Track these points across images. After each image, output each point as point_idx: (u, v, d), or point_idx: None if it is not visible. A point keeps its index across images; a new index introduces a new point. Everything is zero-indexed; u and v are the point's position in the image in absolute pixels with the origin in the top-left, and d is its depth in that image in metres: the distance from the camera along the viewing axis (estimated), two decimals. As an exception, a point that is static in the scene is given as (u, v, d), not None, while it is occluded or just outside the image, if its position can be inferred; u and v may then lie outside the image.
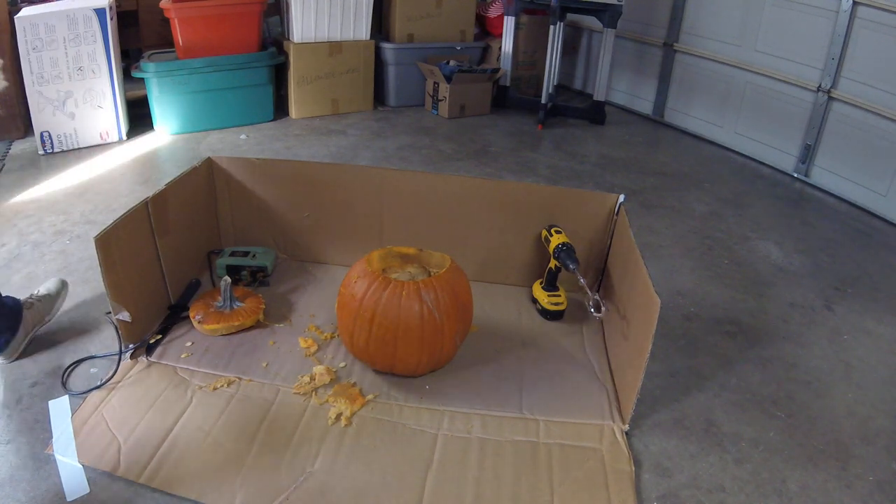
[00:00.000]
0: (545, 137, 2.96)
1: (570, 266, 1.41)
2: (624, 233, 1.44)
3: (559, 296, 1.54)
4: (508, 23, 3.25)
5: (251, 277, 1.59)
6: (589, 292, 1.36)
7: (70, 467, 1.06)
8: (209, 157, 1.63)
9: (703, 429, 1.25)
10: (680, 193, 2.41)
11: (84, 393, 1.22)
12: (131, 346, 1.31)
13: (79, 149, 2.49)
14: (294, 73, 2.90)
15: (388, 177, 1.62)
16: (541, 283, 1.57)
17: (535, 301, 1.59)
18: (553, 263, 1.49)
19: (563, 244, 1.45)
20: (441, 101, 3.14)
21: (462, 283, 1.31)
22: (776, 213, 2.31)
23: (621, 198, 1.52)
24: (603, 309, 1.35)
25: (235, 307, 1.43)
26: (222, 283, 1.42)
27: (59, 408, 1.19)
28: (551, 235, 1.49)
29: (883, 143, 2.27)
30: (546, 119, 3.09)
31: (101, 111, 2.51)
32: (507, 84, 3.34)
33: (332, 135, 2.82)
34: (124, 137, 2.61)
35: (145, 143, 2.60)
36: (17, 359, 1.31)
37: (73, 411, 1.18)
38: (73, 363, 1.31)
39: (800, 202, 2.42)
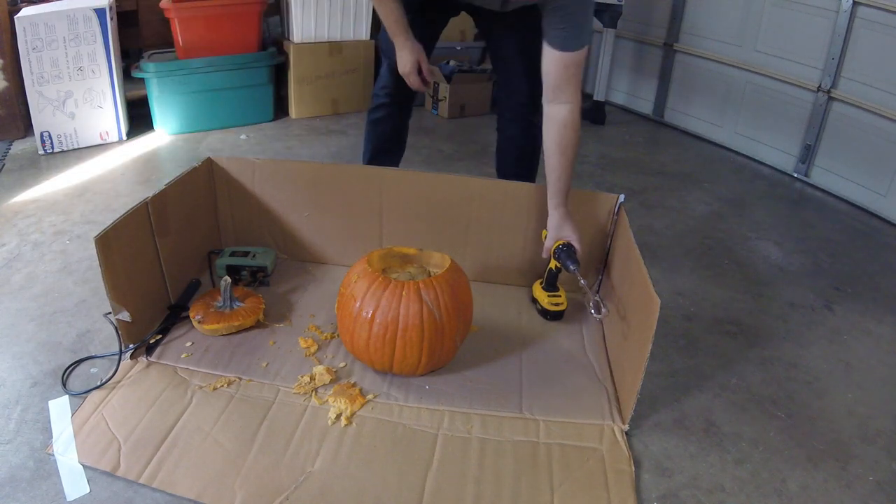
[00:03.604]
0: (545, 137, 2.95)
1: (571, 267, 1.41)
2: (624, 233, 1.44)
3: (559, 296, 1.53)
4: (508, 23, 3.25)
5: (251, 277, 1.59)
6: (589, 293, 1.36)
7: (70, 467, 1.06)
8: (209, 157, 1.63)
9: (703, 429, 1.25)
10: (680, 193, 2.41)
11: (84, 393, 1.22)
12: (131, 346, 1.31)
13: (79, 149, 2.49)
14: (294, 73, 2.90)
15: (388, 177, 1.62)
16: (541, 284, 1.57)
17: (535, 301, 1.59)
18: (553, 264, 1.49)
19: (564, 245, 1.44)
20: (441, 101, 3.14)
21: (462, 283, 1.31)
22: (776, 213, 2.31)
23: (621, 198, 1.52)
24: (603, 310, 1.35)
25: (235, 307, 1.43)
26: (222, 283, 1.42)
27: (59, 408, 1.19)
28: None
29: (883, 143, 2.27)
30: (546, 119, 3.09)
31: (101, 111, 2.51)
32: (507, 84, 3.33)
33: (332, 135, 2.82)
34: (124, 137, 2.61)
35: (145, 143, 2.60)
36: None
37: (73, 411, 1.18)
38: (73, 363, 1.31)
39: (800, 202, 2.42)
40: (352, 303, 1.25)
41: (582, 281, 1.37)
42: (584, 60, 1.40)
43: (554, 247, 1.46)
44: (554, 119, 1.42)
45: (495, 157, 1.83)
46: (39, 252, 1.74)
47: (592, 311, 1.36)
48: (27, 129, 2.54)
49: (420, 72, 1.59)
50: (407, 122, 1.85)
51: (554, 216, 1.46)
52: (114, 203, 2.04)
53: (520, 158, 1.77)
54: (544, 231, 1.54)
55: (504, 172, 1.79)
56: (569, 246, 1.44)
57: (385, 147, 1.85)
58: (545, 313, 1.54)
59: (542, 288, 1.56)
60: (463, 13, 1.70)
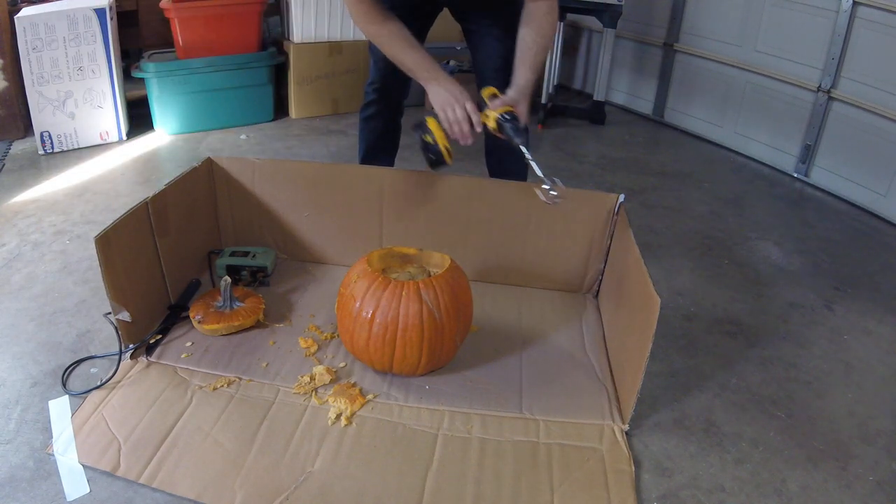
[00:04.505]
0: (545, 137, 2.96)
1: (517, 139, 1.27)
2: (624, 233, 1.44)
3: (451, 149, 1.38)
4: (508, 23, 3.25)
5: (251, 277, 1.59)
6: (538, 172, 1.23)
7: (70, 467, 1.06)
8: (209, 157, 1.63)
9: (703, 429, 1.25)
10: (680, 193, 2.41)
11: (84, 393, 1.22)
12: (131, 346, 1.31)
13: (79, 149, 2.49)
14: (294, 73, 2.90)
15: (388, 177, 1.62)
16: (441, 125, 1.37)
17: (424, 130, 1.38)
18: (483, 118, 1.32)
19: (510, 113, 1.29)
20: (441, 101, 3.13)
21: (462, 283, 1.31)
22: (776, 213, 2.31)
23: (621, 198, 1.52)
24: (558, 187, 1.20)
25: (235, 307, 1.43)
26: (222, 283, 1.42)
27: (59, 408, 1.19)
28: (500, 96, 1.34)
29: (883, 143, 2.27)
30: (546, 119, 3.09)
31: (101, 111, 2.51)
32: (507, 84, 3.33)
33: (332, 135, 2.82)
34: (124, 137, 2.61)
35: (145, 143, 2.60)
36: None
37: (73, 411, 1.18)
38: (73, 363, 1.31)
39: (800, 202, 2.42)
40: (352, 303, 1.25)
41: (529, 157, 1.24)
42: None
43: (500, 111, 1.30)
44: (531, 12, 1.41)
45: (484, 157, 1.83)
46: (39, 252, 1.74)
47: (549, 190, 1.21)
48: (27, 129, 2.54)
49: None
50: (398, 118, 1.85)
51: (514, 88, 1.37)
52: (114, 203, 2.04)
53: (508, 154, 1.76)
54: (490, 89, 1.39)
55: (495, 170, 1.79)
56: (515, 117, 1.30)
57: (378, 144, 1.85)
58: (433, 152, 1.36)
59: (444, 129, 1.36)
60: (447, 11, 1.69)
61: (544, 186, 1.25)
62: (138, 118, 2.76)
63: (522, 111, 1.36)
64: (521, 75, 1.39)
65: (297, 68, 2.89)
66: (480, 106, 1.37)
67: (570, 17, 3.34)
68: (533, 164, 1.28)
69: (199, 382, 1.26)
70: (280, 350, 1.37)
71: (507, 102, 1.35)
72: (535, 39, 1.41)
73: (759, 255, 1.97)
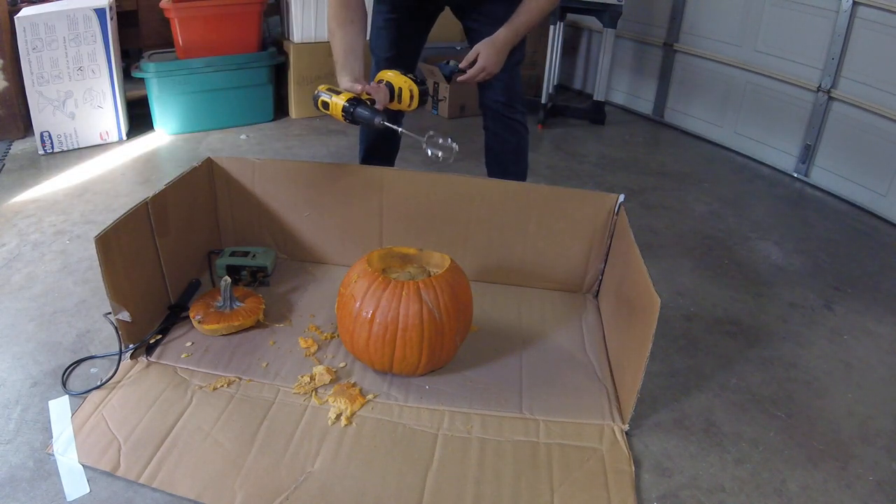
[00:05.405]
0: (545, 137, 2.96)
1: (371, 119, 1.34)
2: (624, 233, 1.44)
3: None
4: (508, 23, 3.24)
5: (251, 277, 1.59)
6: (418, 135, 1.32)
7: (70, 467, 1.06)
8: (209, 157, 1.63)
9: (703, 429, 1.25)
10: (680, 193, 2.41)
11: (84, 393, 1.22)
12: (131, 346, 1.31)
13: (79, 149, 2.49)
14: (294, 73, 2.90)
15: (388, 177, 1.62)
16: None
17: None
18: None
19: (351, 101, 1.36)
20: (441, 101, 3.14)
21: (462, 283, 1.31)
22: (776, 213, 2.31)
23: (621, 198, 1.52)
24: (444, 145, 1.32)
25: (235, 307, 1.43)
26: (222, 283, 1.42)
27: (59, 408, 1.19)
28: (332, 95, 1.39)
29: (883, 143, 2.27)
30: (546, 119, 3.09)
31: (101, 111, 2.51)
32: (507, 84, 3.33)
33: (332, 135, 2.82)
34: (124, 137, 2.61)
35: (145, 143, 2.60)
36: None
37: (73, 411, 1.18)
38: (73, 363, 1.31)
39: (800, 202, 2.42)
40: (352, 303, 1.25)
41: (391, 125, 1.36)
42: None
43: (344, 101, 1.37)
44: None
45: (484, 156, 1.83)
46: (39, 252, 1.74)
47: (429, 147, 1.33)
48: (27, 129, 2.54)
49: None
50: (399, 120, 1.85)
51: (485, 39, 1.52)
52: (114, 203, 2.04)
53: (507, 154, 1.77)
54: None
55: (494, 170, 1.79)
56: (358, 100, 1.37)
57: (378, 145, 1.85)
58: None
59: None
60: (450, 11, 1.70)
61: (423, 144, 1.34)
62: (138, 118, 2.76)
63: (483, 57, 1.52)
64: (498, 30, 1.53)
65: (297, 68, 2.89)
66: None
67: (570, 17, 3.34)
68: (402, 131, 1.38)
69: (199, 382, 1.26)
70: (280, 350, 1.37)
71: (474, 52, 1.52)
72: (526, 4, 1.51)
73: (759, 255, 1.98)
